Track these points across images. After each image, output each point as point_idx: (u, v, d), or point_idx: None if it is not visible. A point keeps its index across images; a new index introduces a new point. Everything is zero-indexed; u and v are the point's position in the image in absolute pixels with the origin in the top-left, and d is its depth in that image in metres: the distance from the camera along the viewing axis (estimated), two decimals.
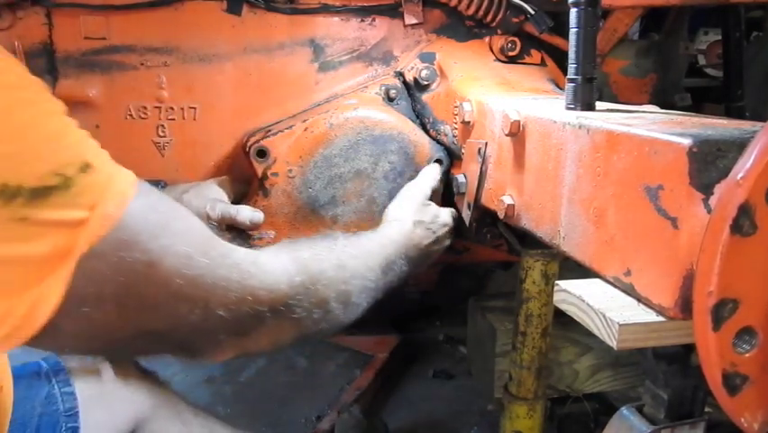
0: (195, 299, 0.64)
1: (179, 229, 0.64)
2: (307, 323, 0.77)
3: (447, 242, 1.19)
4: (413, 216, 1.12)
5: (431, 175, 1.22)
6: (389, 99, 1.29)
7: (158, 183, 1.21)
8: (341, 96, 1.30)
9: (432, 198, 1.23)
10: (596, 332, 0.67)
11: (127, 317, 0.61)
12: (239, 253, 0.70)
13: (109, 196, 0.57)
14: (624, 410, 0.79)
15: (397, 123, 1.24)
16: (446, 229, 1.17)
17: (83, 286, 0.55)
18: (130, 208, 0.58)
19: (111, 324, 0.61)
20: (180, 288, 0.62)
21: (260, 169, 1.20)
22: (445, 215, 1.19)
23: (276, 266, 0.73)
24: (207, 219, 1.17)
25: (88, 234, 0.55)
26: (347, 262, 0.86)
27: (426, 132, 1.28)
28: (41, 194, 0.52)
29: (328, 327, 0.82)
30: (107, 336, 0.62)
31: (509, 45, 1.31)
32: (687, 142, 0.60)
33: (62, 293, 0.54)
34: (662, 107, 0.98)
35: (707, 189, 0.60)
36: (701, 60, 2.37)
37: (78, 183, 0.54)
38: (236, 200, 1.24)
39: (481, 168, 1.09)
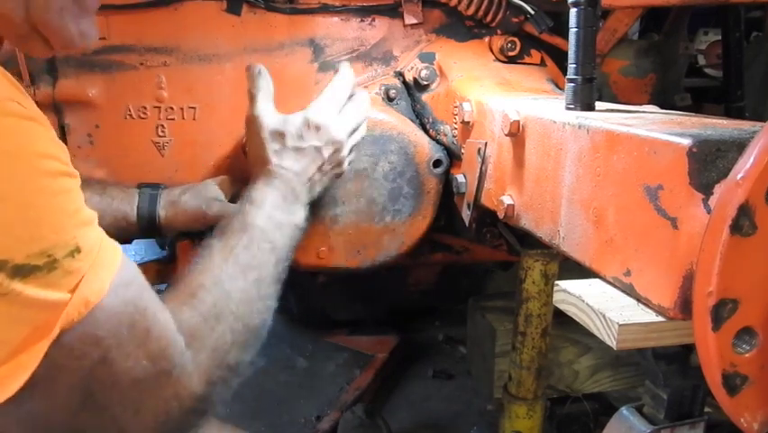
0: (128, 403, 0.64)
1: (141, 330, 0.63)
2: (228, 393, 0.77)
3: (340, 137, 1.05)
4: (269, 152, 1.01)
5: (262, 88, 1.06)
6: (389, 99, 1.29)
7: (157, 186, 1.21)
8: None
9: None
10: (595, 332, 0.67)
11: (67, 410, 0.61)
12: (181, 359, 0.69)
13: (93, 281, 0.57)
14: (624, 410, 0.79)
15: (397, 123, 1.24)
16: (324, 134, 1.03)
17: (42, 370, 0.55)
18: (106, 300, 0.58)
19: (52, 413, 0.60)
20: (122, 389, 0.63)
21: None
22: (315, 121, 1.04)
23: (201, 373, 0.72)
24: (204, 219, 1.17)
25: (64, 319, 0.55)
26: (234, 292, 0.81)
27: (426, 132, 1.28)
28: (24, 271, 0.52)
29: (252, 355, 0.82)
30: (45, 424, 0.61)
31: (509, 45, 1.31)
32: (687, 142, 0.60)
33: (29, 374, 0.54)
34: (662, 107, 0.98)
35: (706, 190, 0.60)
36: (701, 60, 2.36)
37: (64, 266, 0.54)
38: (235, 200, 1.24)
39: (481, 168, 1.09)
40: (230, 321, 0.78)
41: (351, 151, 1.13)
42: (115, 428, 0.65)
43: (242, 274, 0.83)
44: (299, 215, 1.00)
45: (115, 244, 0.64)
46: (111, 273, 0.60)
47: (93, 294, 0.58)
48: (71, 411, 0.62)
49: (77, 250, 0.56)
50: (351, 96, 1.12)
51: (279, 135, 1.03)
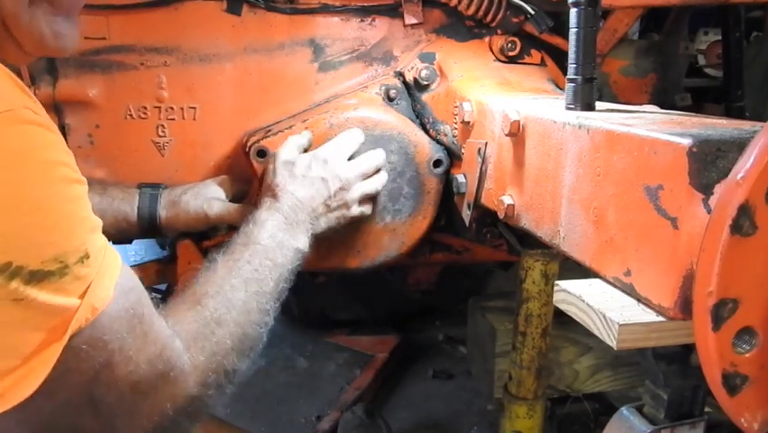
0: (126, 403, 0.66)
1: (140, 333, 0.66)
2: (219, 397, 0.78)
3: (352, 193, 1.12)
4: (277, 177, 1.06)
5: (298, 137, 1.15)
6: (389, 99, 1.29)
7: (157, 186, 1.21)
8: (341, 96, 1.29)
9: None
10: (596, 332, 0.67)
11: (71, 409, 0.63)
12: (179, 361, 0.70)
13: (99, 287, 0.59)
14: (624, 410, 0.79)
15: (397, 123, 1.24)
16: (331, 173, 1.09)
17: (53, 373, 0.56)
18: (110, 306, 0.60)
19: (56, 412, 0.62)
20: (122, 390, 0.64)
21: (260, 169, 1.20)
22: (323, 155, 1.10)
23: (198, 374, 0.73)
24: (206, 218, 1.17)
25: (74, 325, 0.56)
26: (236, 301, 0.84)
27: (426, 132, 1.28)
28: (38, 277, 0.53)
29: (247, 364, 0.83)
30: (48, 423, 0.63)
31: (509, 45, 1.31)
32: (687, 142, 0.60)
33: (43, 378, 0.55)
34: (662, 107, 0.98)
35: (707, 189, 0.60)
36: (701, 60, 2.37)
37: (74, 272, 0.56)
38: (236, 200, 1.24)
39: (481, 168, 1.09)
40: (230, 327, 0.80)
41: (362, 200, 1.15)
42: (109, 429, 0.66)
43: (243, 286, 0.87)
44: (301, 239, 1.02)
45: (115, 250, 0.65)
46: (114, 280, 0.62)
47: (99, 300, 0.59)
48: (74, 413, 0.63)
49: (87, 256, 0.57)
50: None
51: (290, 164, 1.09)
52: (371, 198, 1.19)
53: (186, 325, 0.76)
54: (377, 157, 1.18)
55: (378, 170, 1.19)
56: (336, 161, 1.12)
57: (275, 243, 0.96)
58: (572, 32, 0.87)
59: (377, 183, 1.18)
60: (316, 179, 1.08)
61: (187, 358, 0.72)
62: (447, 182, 1.26)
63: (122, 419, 0.66)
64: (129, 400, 0.66)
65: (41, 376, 0.55)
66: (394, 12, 1.31)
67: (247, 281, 0.88)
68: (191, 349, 0.74)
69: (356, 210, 1.15)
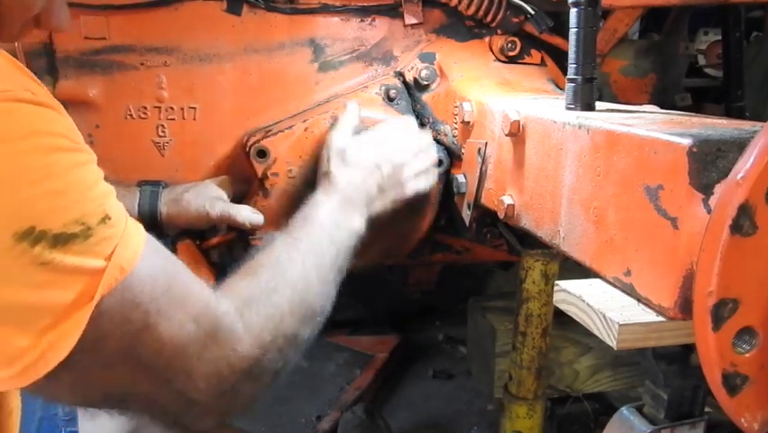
0: (179, 366, 0.65)
1: (178, 293, 0.65)
2: (284, 364, 0.78)
3: (405, 161, 1.13)
4: (331, 165, 1.08)
5: (346, 117, 1.17)
6: (389, 99, 1.29)
7: (158, 184, 1.21)
8: (341, 95, 1.29)
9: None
10: (596, 332, 0.67)
11: (120, 375, 0.63)
12: (227, 319, 0.70)
13: (124, 249, 0.59)
14: (624, 410, 0.79)
15: None
16: (378, 155, 1.10)
17: (88, 336, 0.57)
18: (139, 267, 0.60)
19: (105, 379, 0.63)
20: (170, 353, 0.64)
21: (260, 169, 1.20)
22: (374, 139, 1.13)
23: (253, 336, 0.72)
24: (207, 218, 1.17)
25: (103, 284, 0.57)
26: (292, 271, 0.83)
27: None
28: (62, 240, 0.54)
29: (310, 333, 0.82)
30: (100, 389, 0.64)
31: (509, 45, 1.31)
32: (687, 142, 0.60)
33: (77, 339, 0.56)
34: (662, 107, 0.98)
35: (707, 189, 0.60)
36: (701, 60, 2.37)
37: (98, 233, 0.56)
38: (236, 200, 1.24)
39: (481, 168, 1.09)
40: (287, 294, 0.79)
41: (415, 176, 1.15)
42: (172, 392, 0.66)
43: (300, 258, 0.86)
44: (357, 220, 1.03)
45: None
46: (141, 243, 0.62)
47: (126, 262, 0.59)
48: (124, 377, 0.63)
49: (108, 217, 0.58)
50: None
51: (342, 151, 1.11)
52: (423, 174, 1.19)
53: (239, 290, 0.76)
54: (426, 135, 1.21)
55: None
56: (387, 145, 1.13)
57: (331, 221, 0.97)
58: (572, 32, 0.87)
59: (427, 161, 1.18)
60: (369, 164, 1.10)
61: (239, 320, 0.71)
62: (447, 182, 1.26)
63: (178, 382, 0.65)
64: (180, 362, 0.65)
65: (73, 338, 0.56)
66: (394, 12, 1.31)
67: (304, 254, 0.87)
68: (244, 312, 0.72)
69: (411, 188, 1.15)
